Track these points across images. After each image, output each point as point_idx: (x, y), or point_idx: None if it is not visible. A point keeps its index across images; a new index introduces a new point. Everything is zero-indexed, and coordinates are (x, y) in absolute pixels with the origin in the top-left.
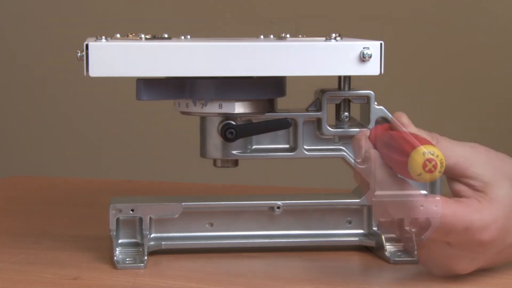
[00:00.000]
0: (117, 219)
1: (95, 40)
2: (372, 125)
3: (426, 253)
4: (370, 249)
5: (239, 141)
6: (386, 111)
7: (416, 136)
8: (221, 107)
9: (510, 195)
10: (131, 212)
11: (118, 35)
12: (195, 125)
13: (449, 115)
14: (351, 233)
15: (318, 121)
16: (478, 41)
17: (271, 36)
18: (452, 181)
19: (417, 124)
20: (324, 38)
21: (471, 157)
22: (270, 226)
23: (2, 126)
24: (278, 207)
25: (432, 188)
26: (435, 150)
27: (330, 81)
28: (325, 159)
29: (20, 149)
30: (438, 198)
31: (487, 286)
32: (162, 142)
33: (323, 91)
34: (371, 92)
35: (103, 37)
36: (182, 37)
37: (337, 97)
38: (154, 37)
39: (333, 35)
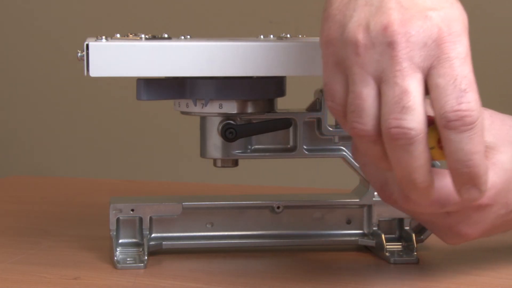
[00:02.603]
0: (117, 219)
1: (95, 40)
2: None
3: (429, 225)
4: (370, 249)
5: (239, 141)
6: None
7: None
8: (221, 107)
9: None
10: (131, 212)
11: (118, 35)
12: (195, 125)
13: None
14: (350, 233)
15: (318, 121)
16: (478, 42)
17: (271, 36)
18: None
19: None
20: None
21: None
22: (270, 226)
23: (2, 126)
24: (278, 207)
25: None
26: None
27: None
28: (325, 159)
29: (20, 149)
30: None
31: (487, 286)
32: (162, 142)
33: (323, 91)
34: None
35: (103, 37)
36: (182, 37)
37: None
38: (154, 37)
39: None
